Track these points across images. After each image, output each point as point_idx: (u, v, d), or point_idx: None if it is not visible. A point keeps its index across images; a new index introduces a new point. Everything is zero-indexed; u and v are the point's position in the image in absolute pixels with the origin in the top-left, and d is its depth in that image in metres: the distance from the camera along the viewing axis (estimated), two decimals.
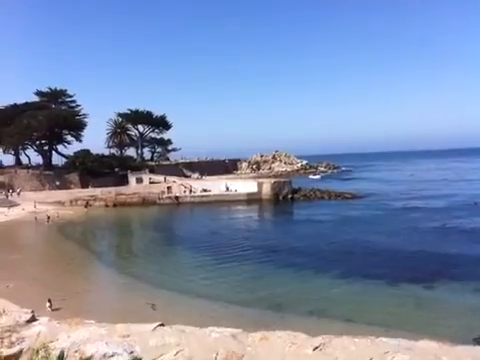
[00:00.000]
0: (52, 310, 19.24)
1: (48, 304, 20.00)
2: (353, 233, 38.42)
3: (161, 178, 77.64)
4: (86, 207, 64.06)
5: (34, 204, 60.35)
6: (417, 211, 50.38)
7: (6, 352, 3.47)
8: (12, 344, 3.58)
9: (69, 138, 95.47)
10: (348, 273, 25.76)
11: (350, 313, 19.25)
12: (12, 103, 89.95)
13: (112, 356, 3.37)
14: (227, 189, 68.12)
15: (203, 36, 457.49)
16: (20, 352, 3.51)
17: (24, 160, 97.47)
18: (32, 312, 4.17)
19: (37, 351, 3.43)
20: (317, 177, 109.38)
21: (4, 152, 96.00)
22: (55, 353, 3.44)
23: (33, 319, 4.07)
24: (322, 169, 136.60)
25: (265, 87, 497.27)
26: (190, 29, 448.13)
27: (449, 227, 39.77)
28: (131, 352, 3.41)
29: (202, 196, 67.21)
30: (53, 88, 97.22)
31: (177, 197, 66.97)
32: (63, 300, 20.74)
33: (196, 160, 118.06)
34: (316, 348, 3.40)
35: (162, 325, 3.97)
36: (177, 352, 3.42)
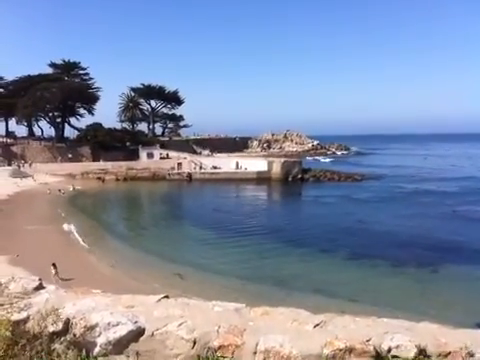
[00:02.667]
0: (60, 278, 19.27)
1: (53, 270, 19.97)
2: (361, 215, 38.35)
3: (164, 153, 78.44)
4: (103, 182, 64.81)
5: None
6: (427, 195, 50.03)
7: (15, 317, 3.57)
8: (21, 310, 3.68)
9: (82, 111, 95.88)
10: (354, 254, 25.85)
11: (355, 293, 19.40)
12: (26, 74, 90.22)
13: (116, 325, 3.45)
14: (237, 167, 68.08)
15: (217, 13, 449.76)
16: (28, 318, 3.61)
17: (37, 132, 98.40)
18: (40, 280, 4.26)
19: (44, 317, 3.52)
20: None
21: (17, 123, 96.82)
22: (61, 319, 3.53)
23: (40, 287, 4.16)
24: (333, 150, 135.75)
25: (282, 66, 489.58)
26: (205, 5, 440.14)
27: (458, 212, 39.46)
28: (135, 322, 3.48)
29: (212, 173, 67.33)
30: (67, 60, 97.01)
31: (190, 174, 67.10)
32: (74, 271, 21.12)
33: (207, 137, 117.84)
34: (317, 325, 3.44)
35: (167, 297, 4.03)
36: (180, 324, 3.48)
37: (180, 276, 21.82)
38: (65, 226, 34.22)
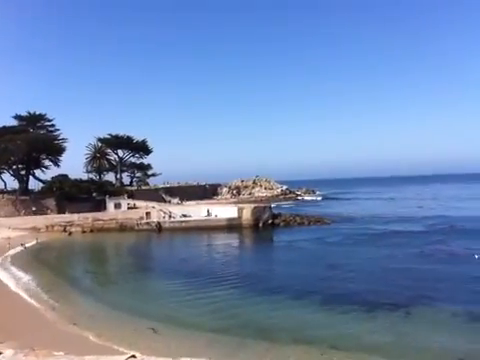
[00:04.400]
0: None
1: None
2: (332, 258, 38.48)
3: (132, 203, 77.81)
4: (70, 234, 63.04)
5: None
6: (395, 235, 51.06)
7: None
8: None
9: (47, 163, 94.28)
10: (328, 300, 25.58)
11: (331, 340, 19.04)
12: None
13: None
14: (208, 214, 67.66)
15: (183, 61, 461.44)
16: None
17: (0, 185, 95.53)
18: None
19: None
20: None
21: None
22: None
23: None
24: (302, 195, 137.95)
25: (253, 113, 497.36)
26: (169, 51, 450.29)
27: (427, 252, 40.25)
28: None
29: (182, 222, 66.47)
30: (32, 112, 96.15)
31: (159, 223, 65.94)
32: (34, 331, 19.94)
33: (176, 185, 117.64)
34: None
35: (134, 357, 3.82)
36: None
37: (154, 330, 20.91)
38: (24, 282, 32.68)
